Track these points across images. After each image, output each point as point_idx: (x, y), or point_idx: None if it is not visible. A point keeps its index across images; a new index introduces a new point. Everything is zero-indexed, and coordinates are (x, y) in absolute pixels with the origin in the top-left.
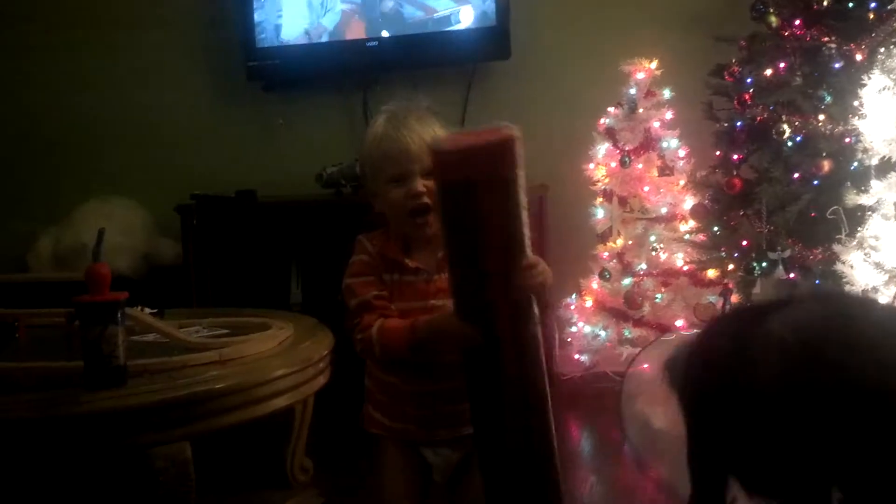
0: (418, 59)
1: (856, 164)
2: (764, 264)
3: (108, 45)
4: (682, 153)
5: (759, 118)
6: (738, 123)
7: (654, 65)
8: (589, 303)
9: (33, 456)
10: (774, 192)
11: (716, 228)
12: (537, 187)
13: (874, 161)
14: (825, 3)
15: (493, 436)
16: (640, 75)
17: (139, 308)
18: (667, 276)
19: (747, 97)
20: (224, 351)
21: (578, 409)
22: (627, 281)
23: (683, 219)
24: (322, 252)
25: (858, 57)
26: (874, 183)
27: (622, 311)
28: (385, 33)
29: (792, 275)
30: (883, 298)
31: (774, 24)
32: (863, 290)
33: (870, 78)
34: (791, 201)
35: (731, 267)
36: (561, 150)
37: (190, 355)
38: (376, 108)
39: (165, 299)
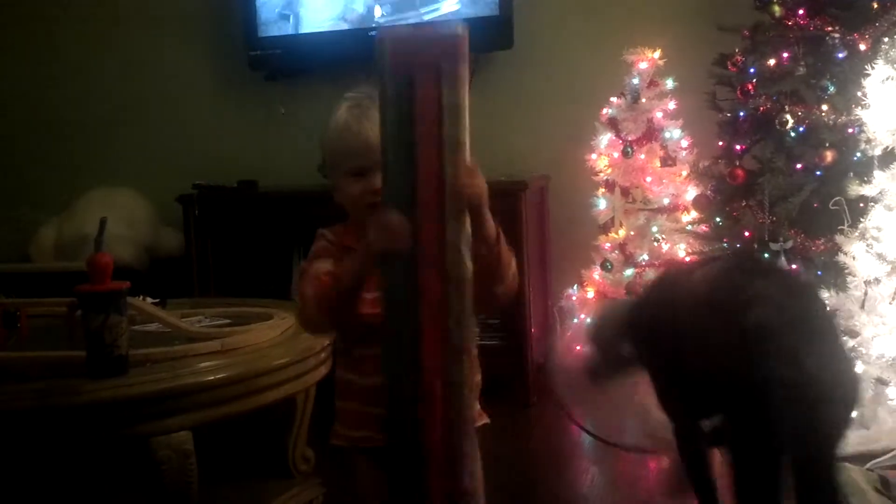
0: None
1: (859, 154)
2: (766, 255)
3: (111, 35)
4: (684, 143)
5: (762, 108)
6: (741, 113)
7: (657, 54)
8: (591, 293)
9: (35, 445)
10: (777, 182)
11: (718, 219)
12: (539, 178)
13: (877, 151)
14: None
15: (405, 355)
16: (643, 65)
17: (141, 298)
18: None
19: (750, 87)
20: (226, 341)
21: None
22: (629, 272)
23: (686, 209)
24: None
25: (862, 47)
26: (877, 173)
27: None
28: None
29: (794, 266)
30: (885, 289)
31: (778, 14)
32: (865, 281)
33: (873, 68)
34: (794, 192)
35: None
36: (563, 141)
37: (192, 345)
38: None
39: (167, 289)
